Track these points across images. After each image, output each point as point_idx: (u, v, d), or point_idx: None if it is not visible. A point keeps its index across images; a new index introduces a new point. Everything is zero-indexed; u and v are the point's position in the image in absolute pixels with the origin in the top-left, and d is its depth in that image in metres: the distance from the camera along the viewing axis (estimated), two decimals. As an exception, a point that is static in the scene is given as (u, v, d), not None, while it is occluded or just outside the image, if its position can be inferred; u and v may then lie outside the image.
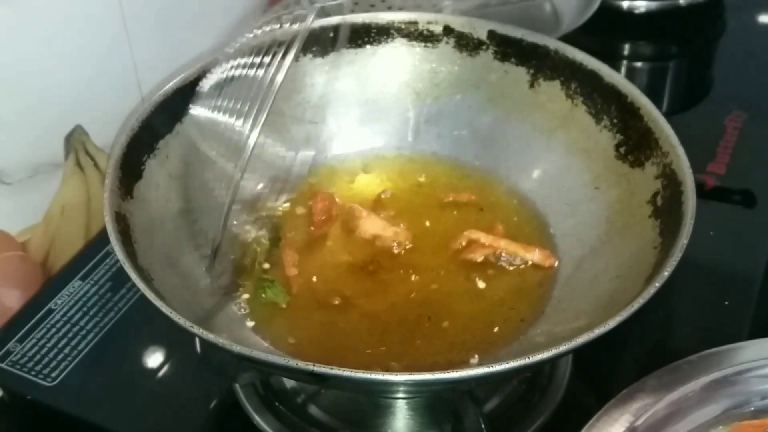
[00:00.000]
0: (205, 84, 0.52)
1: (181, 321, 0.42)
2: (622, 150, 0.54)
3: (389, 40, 0.61)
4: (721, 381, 0.44)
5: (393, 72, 0.61)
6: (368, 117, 0.61)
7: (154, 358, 0.56)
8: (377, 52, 0.61)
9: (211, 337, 0.41)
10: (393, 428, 0.52)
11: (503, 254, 0.54)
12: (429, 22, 0.60)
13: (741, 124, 0.73)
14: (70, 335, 0.57)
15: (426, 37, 0.60)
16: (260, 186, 0.56)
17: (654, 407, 0.42)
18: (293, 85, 0.60)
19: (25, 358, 0.56)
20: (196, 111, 0.52)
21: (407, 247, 0.55)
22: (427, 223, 0.57)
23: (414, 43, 0.61)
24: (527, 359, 0.40)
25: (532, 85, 0.59)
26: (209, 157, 0.50)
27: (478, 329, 0.51)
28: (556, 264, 0.53)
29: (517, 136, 0.59)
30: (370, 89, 0.61)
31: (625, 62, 0.85)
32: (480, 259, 0.54)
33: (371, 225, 0.56)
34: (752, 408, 0.44)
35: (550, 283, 0.53)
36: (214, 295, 0.52)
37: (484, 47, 0.59)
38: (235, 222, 0.52)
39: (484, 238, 0.54)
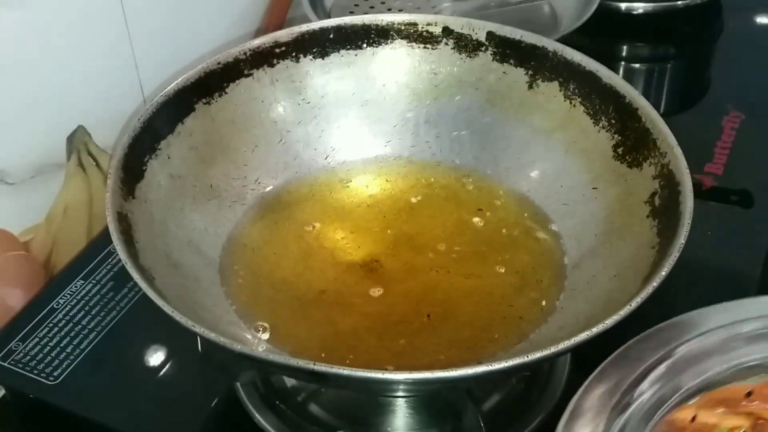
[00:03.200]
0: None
1: (183, 320, 0.42)
2: (620, 150, 0.54)
3: (389, 41, 0.61)
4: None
5: (392, 73, 0.61)
6: (367, 118, 0.61)
7: (156, 357, 0.56)
8: (377, 54, 0.61)
9: (212, 336, 0.41)
10: (393, 426, 0.53)
11: None
12: (428, 24, 0.60)
13: (738, 124, 0.74)
14: (72, 334, 0.58)
15: (425, 39, 0.60)
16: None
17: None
18: (293, 85, 0.60)
19: (28, 357, 0.56)
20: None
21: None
22: (426, 223, 0.57)
23: (413, 44, 0.61)
24: (526, 358, 0.40)
25: (530, 86, 0.59)
26: None
27: (477, 327, 0.51)
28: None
29: (516, 136, 0.59)
30: (370, 90, 0.61)
31: (623, 63, 0.85)
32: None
33: None
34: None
35: (549, 283, 0.53)
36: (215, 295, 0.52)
37: (483, 48, 0.60)
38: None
39: None
